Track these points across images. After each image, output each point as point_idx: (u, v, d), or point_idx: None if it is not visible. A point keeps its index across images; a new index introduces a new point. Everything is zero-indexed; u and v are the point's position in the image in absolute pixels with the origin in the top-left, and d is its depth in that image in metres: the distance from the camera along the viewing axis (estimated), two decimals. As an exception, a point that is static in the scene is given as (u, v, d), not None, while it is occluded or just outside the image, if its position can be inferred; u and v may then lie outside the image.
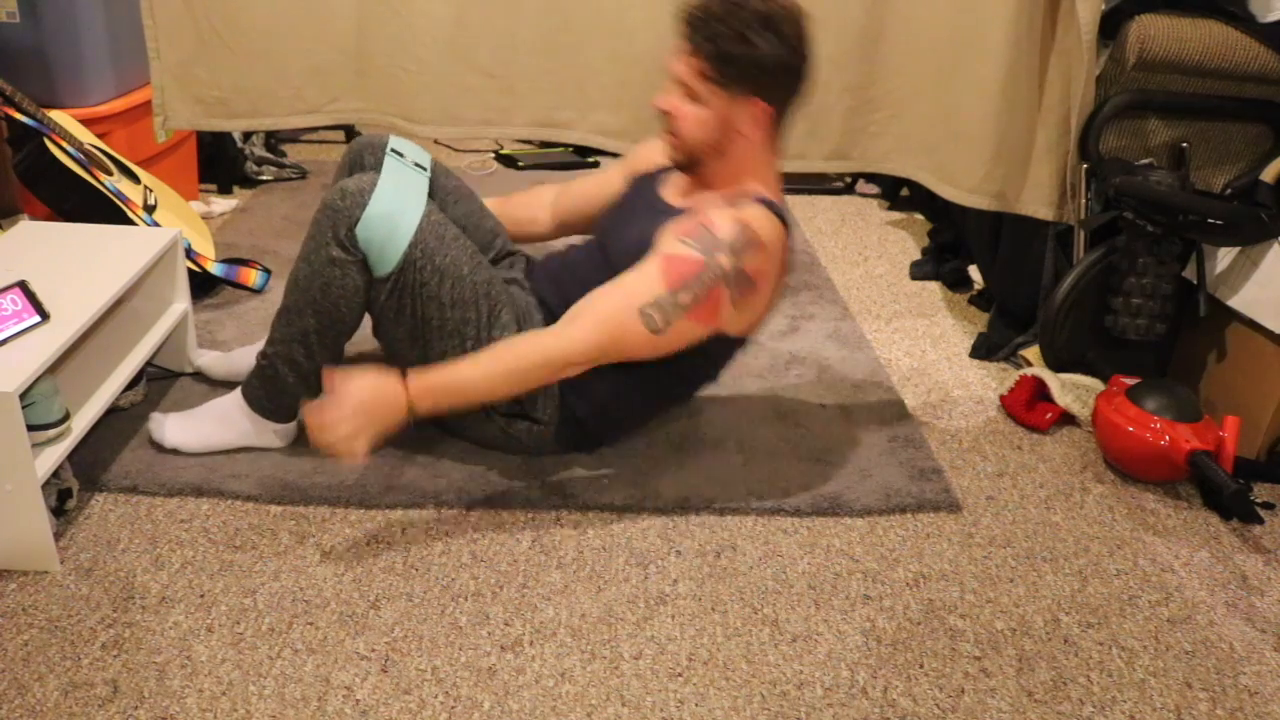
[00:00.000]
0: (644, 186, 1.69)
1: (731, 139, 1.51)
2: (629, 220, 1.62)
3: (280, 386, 1.61)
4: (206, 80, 2.11)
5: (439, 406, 1.45)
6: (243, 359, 1.82)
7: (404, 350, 1.58)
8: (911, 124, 2.13)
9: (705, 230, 1.45)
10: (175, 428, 1.64)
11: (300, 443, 1.69)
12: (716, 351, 1.60)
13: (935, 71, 2.05)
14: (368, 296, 1.55)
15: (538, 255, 1.84)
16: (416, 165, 1.66)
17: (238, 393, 1.64)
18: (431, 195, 1.71)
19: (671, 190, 1.63)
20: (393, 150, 1.66)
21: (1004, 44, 1.96)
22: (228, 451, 1.65)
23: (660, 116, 1.54)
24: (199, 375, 1.89)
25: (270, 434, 1.65)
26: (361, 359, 1.77)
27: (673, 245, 1.46)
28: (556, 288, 1.65)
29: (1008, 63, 1.97)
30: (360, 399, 1.37)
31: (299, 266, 1.55)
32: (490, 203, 1.87)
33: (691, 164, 1.56)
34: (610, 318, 1.45)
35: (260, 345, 1.71)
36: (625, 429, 1.75)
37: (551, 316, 1.56)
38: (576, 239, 1.80)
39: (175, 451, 1.63)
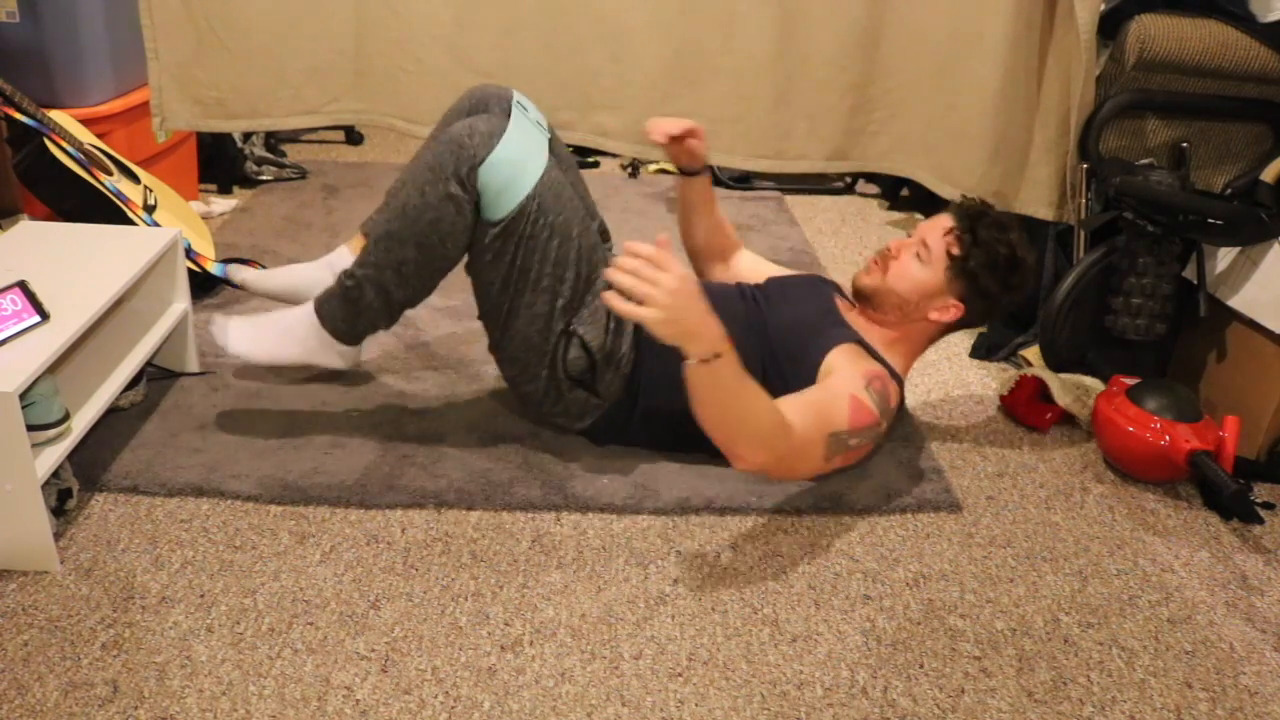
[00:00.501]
0: (819, 285, 1.78)
1: (919, 310, 1.65)
2: (800, 300, 1.71)
3: (362, 309, 1.58)
4: (205, 81, 2.12)
5: (719, 378, 1.29)
6: (283, 279, 1.77)
7: (495, 294, 1.58)
8: (911, 123, 2.13)
9: (885, 388, 1.56)
10: (239, 335, 1.60)
11: (302, 443, 1.69)
12: None
13: (935, 71, 2.06)
14: (473, 241, 1.54)
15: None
16: (538, 124, 1.67)
17: (309, 307, 1.61)
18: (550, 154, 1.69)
19: (843, 306, 1.73)
20: (519, 103, 1.67)
21: (1003, 43, 1.96)
22: (291, 366, 1.67)
23: (882, 251, 1.68)
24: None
25: (335, 355, 1.64)
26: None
27: (860, 389, 1.52)
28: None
29: (1006, 62, 1.97)
30: (686, 286, 1.24)
31: (409, 195, 1.51)
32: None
33: (873, 302, 1.68)
34: (812, 429, 1.44)
35: (307, 265, 1.72)
36: (657, 442, 1.71)
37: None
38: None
39: (238, 358, 1.62)
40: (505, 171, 1.49)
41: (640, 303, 1.22)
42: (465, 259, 1.60)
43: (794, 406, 1.43)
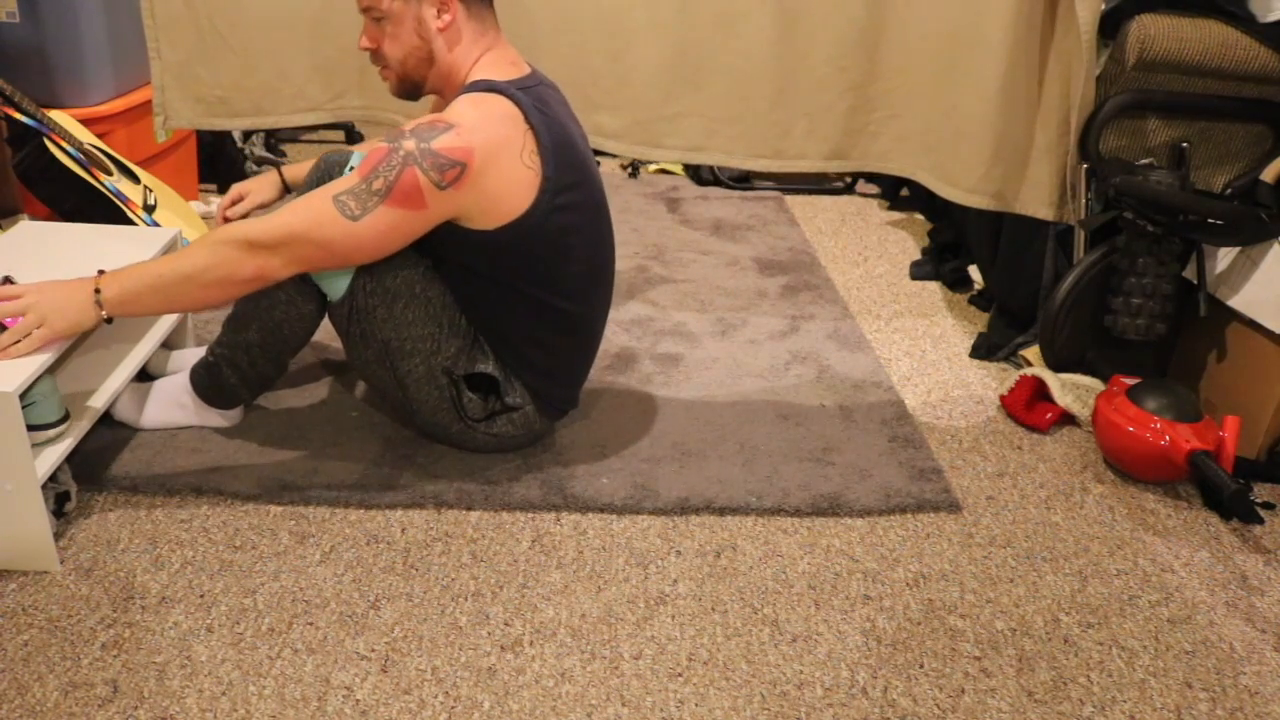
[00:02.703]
0: None
1: (431, 39, 1.50)
2: None
3: (223, 384, 1.66)
4: (207, 79, 2.11)
5: (133, 295, 1.38)
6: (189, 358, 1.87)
7: (377, 373, 1.59)
8: (911, 123, 2.13)
9: (402, 127, 1.42)
10: (128, 404, 1.69)
11: (302, 443, 1.69)
12: (539, 249, 1.52)
13: (935, 71, 2.05)
14: (318, 321, 1.59)
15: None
16: None
17: (185, 376, 1.70)
18: None
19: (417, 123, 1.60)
20: (351, 169, 1.64)
21: (1003, 43, 1.96)
22: (178, 429, 1.71)
23: (371, 60, 1.56)
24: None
25: (217, 416, 1.72)
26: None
27: (368, 151, 1.45)
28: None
29: (1007, 62, 1.97)
30: (41, 284, 1.38)
31: None
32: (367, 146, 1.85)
33: (415, 88, 1.56)
34: (304, 204, 1.39)
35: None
36: (573, 374, 1.70)
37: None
38: None
39: (129, 428, 1.69)
40: None
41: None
42: (345, 351, 1.63)
43: (281, 209, 1.42)
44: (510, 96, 1.45)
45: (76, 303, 1.37)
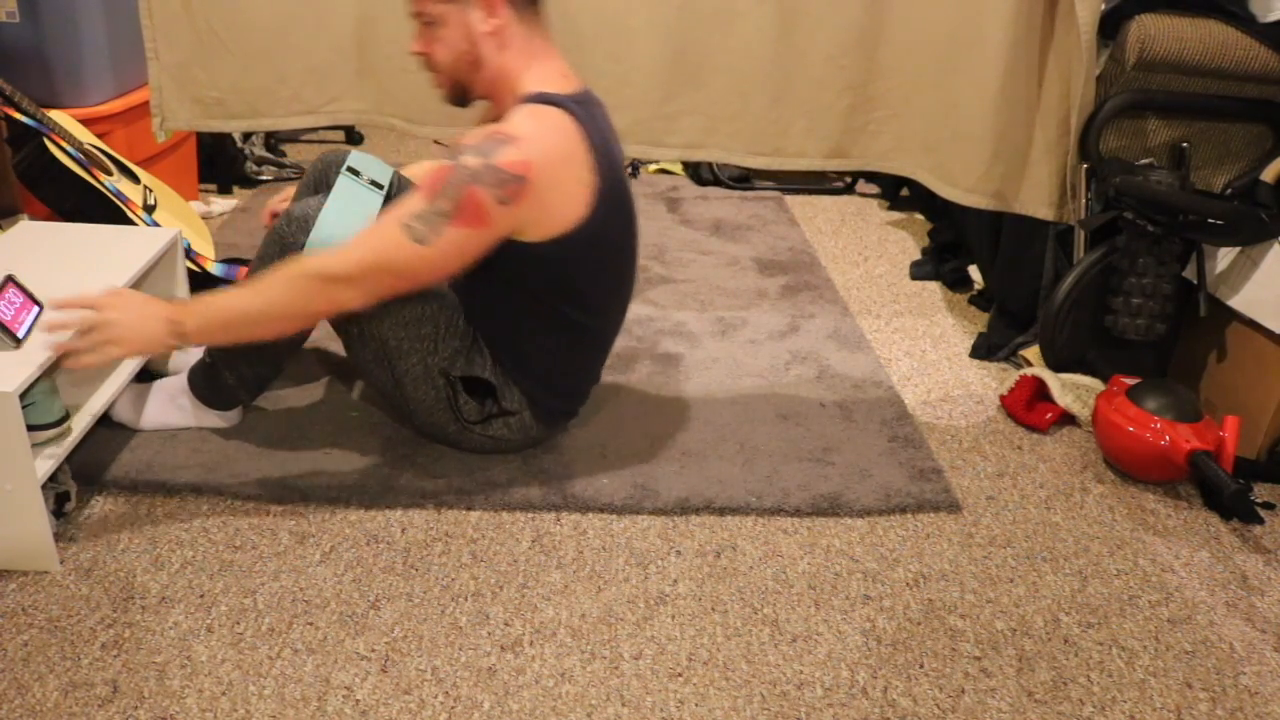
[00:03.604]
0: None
1: (479, 44, 1.47)
2: None
3: (221, 386, 1.67)
4: (204, 81, 2.11)
5: (211, 328, 1.41)
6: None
7: (375, 372, 1.59)
8: (910, 122, 2.13)
9: (461, 143, 1.42)
10: (127, 405, 1.69)
11: (302, 443, 1.69)
12: (576, 264, 1.52)
13: (934, 70, 2.05)
14: (338, 328, 1.58)
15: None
16: (372, 184, 1.65)
17: (184, 377, 1.70)
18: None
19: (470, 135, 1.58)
20: (349, 169, 1.65)
21: (1003, 43, 1.96)
22: (175, 430, 1.71)
23: (419, 64, 1.53)
24: None
25: (215, 418, 1.72)
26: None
27: (429, 167, 1.46)
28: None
29: (1007, 62, 1.97)
30: (123, 300, 1.39)
31: (245, 283, 1.56)
32: (414, 170, 1.85)
33: (464, 94, 1.54)
34: (374, 234, 1.41)
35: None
36: (578, 380, 1.70)
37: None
38: None
39: (128, 428, 1.69)
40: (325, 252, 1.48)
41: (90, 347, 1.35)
42: (344, 349, 1.63)
43: (352, 241, 1.43)
44: (568, 110, 1.44)
45: (153, 330, 1.38)
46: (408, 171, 1.85)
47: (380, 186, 1.67)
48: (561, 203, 1.45)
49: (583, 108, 1.47)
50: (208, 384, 1.68)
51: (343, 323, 1.56)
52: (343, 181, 1.61)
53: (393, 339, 1.53)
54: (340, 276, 1.39)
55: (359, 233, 1.43)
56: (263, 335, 1.46)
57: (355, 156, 1.70)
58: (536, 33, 1.52)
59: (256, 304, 1.40)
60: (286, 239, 1.53)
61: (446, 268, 1.44)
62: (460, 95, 1.55)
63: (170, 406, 1.70)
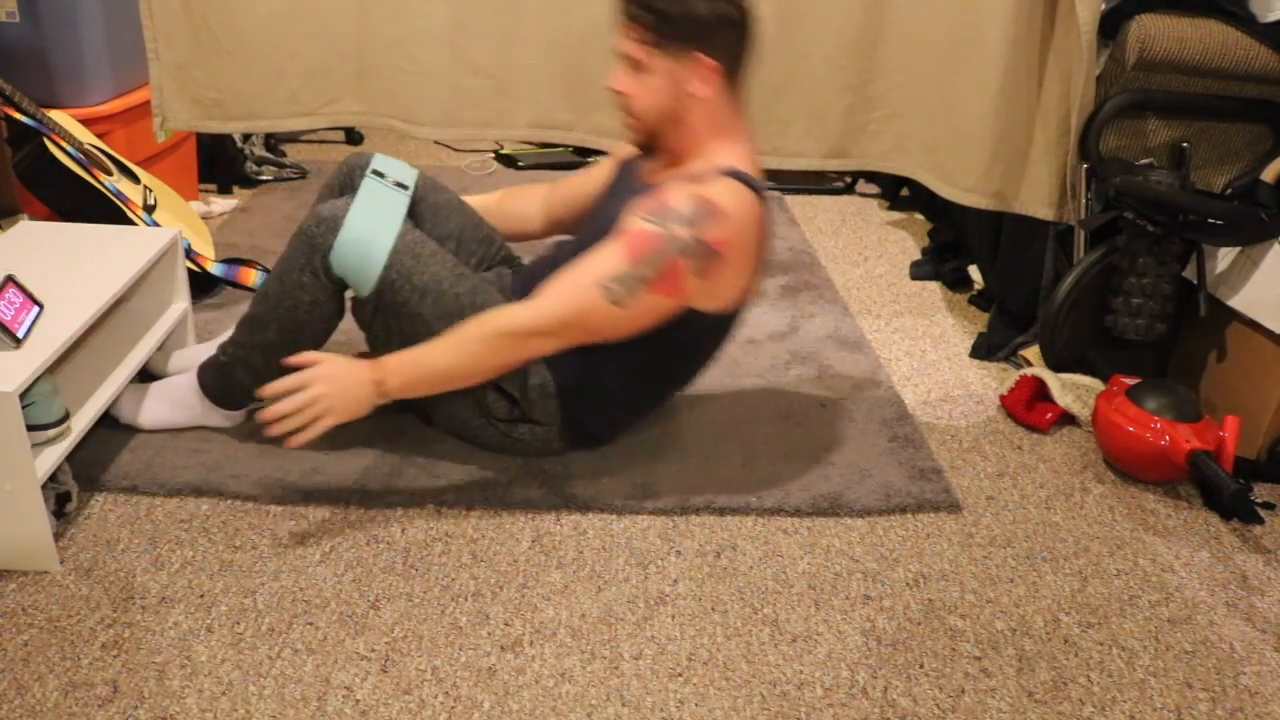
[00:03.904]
0: (626, 172, 1.70)
1: (685, 104, 1.48)
2: (613, 207, 1.60)
3: (234, 383, 1.66)
4: (203, 82, 2.11)
5: (413, 386, 1.47)
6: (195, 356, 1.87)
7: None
8: (910, 123, 2.13)
9: (663, 205, 1.44)
10: (131, 404, 1.68)
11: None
12: (702, 333, 1.58)
13: (934, 70, 2.06)
14: (339, 320, 1.60)
15: (526, 257, 1.84)
16: (398, 185, 1.67)
17: (192, 375, 1.69)
18: (414, 212, 1.73)
19: (648, 171, 1.62)
20: (374, 171, 1.67)
21: (1003, 43, 1.96)
22: (179, 430, 1.71)
23: (615, 100, 1.53)
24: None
25: (220, 417, 1.71)
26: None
27: (634, 222, 1.46)
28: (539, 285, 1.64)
29: (1006, 62, 1.97)
30: (329, 370, 1.42)
31: (270, 282, 1.59)
32: (477, 200, 1.88)
33: (654, 141, 1.54)
34: (572, 291, 1.45)
35: (202, 347, 1.81)
36: (625, 422, 1.74)
37: None
38: (564, 238, 1.80)
39: (129, 428, 1.69)
40: (355, 251, 1.51)
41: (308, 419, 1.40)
42: (367, 342, 1.63)
43: (560, 279, 1.47)
44: (759, 195, 1.48)
45: (361, 395, 1.43)
46: (474, 201, 1.88)
47: (405, 187, 1.68)
48: (734, 282, 1.52)
49: (764, 194, 1.51)
50: (220, 383, 1.67)
51: (368, 317, 1.57)
52: (368, 183, 1.63)
53: (423, 334, 1.53)
54: (536, 331, 1.45)
55: (556, 287, 1.46)
56: (462, 385, 1.51)
57: (379, 159, 1.73)
58: (738, 110, 1.54)
59: (456, 361, 1.46)
60: (315, 239, 1.53)
61: (634, 328, 1.49)
62: (648, 142, 1.56)
63: (175, 405, 1.70)
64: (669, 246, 1.42)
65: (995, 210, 2.12)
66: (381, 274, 1.52)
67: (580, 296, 1.44)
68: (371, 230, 1.53)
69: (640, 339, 1.53)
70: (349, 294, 1.60)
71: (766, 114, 2.12)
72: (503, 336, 1.45)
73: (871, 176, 3.39)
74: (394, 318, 1.54)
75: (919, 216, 3.12)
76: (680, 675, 1.29)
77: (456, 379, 1.49)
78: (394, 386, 1.45)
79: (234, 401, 1.69)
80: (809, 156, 2.18)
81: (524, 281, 1.70)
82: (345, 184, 1.76)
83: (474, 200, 1.88)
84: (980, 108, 2.02)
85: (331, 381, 1.41)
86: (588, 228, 1.65)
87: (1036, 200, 2.07)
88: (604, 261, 1.45)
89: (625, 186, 1.64)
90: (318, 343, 1.63)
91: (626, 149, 1.75)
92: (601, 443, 1.73)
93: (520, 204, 1.90)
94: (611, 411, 1.68)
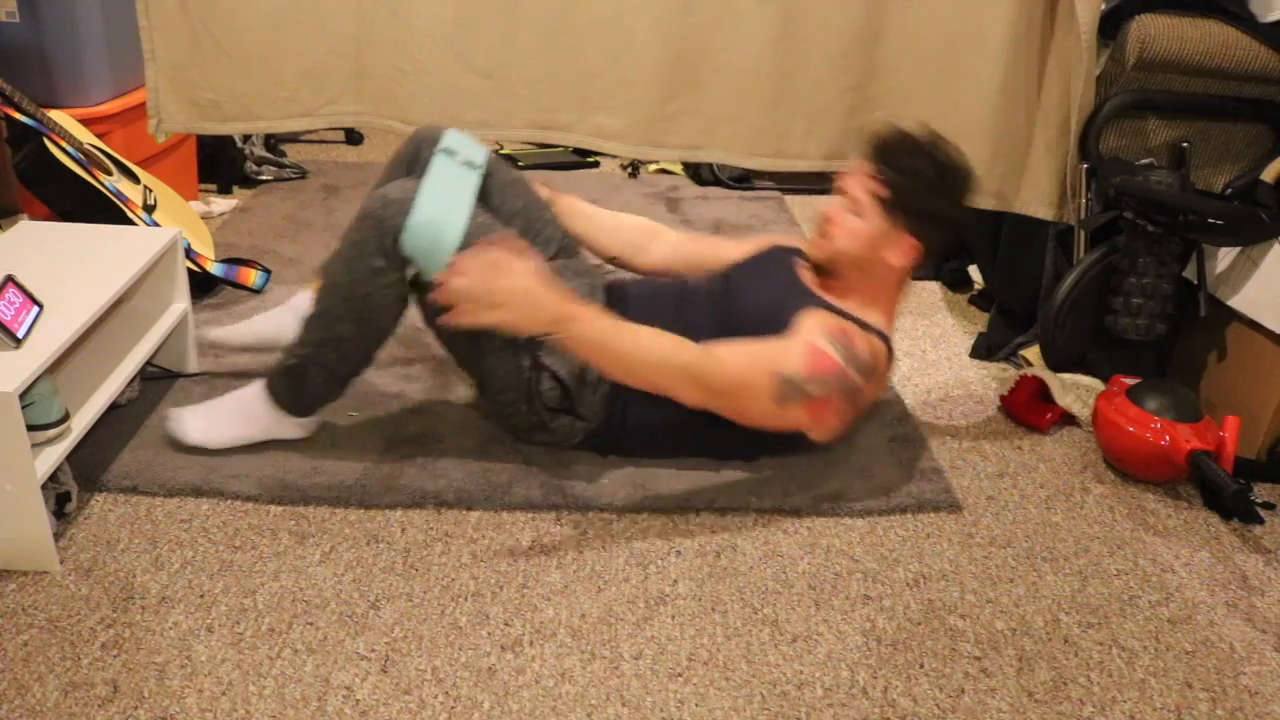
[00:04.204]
0: (781, 257, 1.73)
1: (877, 262, 1.59)
2: (764, 282, 1.67)
3: (308, 386, 1.61)
4: (201, 83, 2.11)
5: (589, 343, 1.42)
6: (251, 332, 1.86)
7: (459, 347, 1.60)
8: (911, 123, 2.13)
9: (851, 343, 1.52)
10: (197, 425, 1.63)
11: (302, 443, 1.69)
12: (775, 435, 1.61)
13: (935, 71, 2.05)
14: (418, 299, 1.55)
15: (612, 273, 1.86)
16: (468, 163, 1.65)
17: (259, 386, 1.63)
18: (483, 189, 1.71)
19: (812, 279, 1.67)
20: (443, 149, 1.64)
21: (1003, 43, 1.96)
22: (248, 446, 1.65)
23: (820, 220, 1.63)
24: (213, 352, 1.90)
25: (293, 426, 1.67)
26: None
27: (820, 339, 1.51)
28: (649, 309, 1.66)
29: (1007, 62, 1.97)
30: (528, 271, 1.37)
31: (338, 273, 1.52)
32: (589, 208, 1.88)
33: (831, 270, 1.62)
34: (751, 365, 1.49)
35: (270, 313, 1.78)
36: (661, 448, 1.71)
37: None
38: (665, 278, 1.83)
39: (197, 449, 1.63)
40: (427, 233, 1.47)
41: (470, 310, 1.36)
42: (424, 318, 1.61)
43: (734, 347, 1.50)
44: (893, 361, 1.64)
45: (540, 314, 1.38)
46: (584, 208, 1.90)
47: (475, 166, 1.65)
48: (844, 419, 1.60)
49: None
50: (291, 388, 1.61)
51: (433, 300, 1.52)
52: (438, 162, 1.60)
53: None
54: (705, 384, 1.47)
55: (738, 355, 1.49)
56: (619, 374, 1.46)
57: (451, 135, 1.70)
58: (906, 286, 1.67)
59: (641, 354, 1.43)
60: (384, 222, 1.48)
61: (768, 424, 1.55)
62: (826, 269, 1.63)
63: (243, 420, 1.64)
64: (840, 382, 1.51)
65: (995, 210, 2.12)
66: (454, 255, 1.47)
67: (756, 376, 1.48)
68: (444, 212, 1.49)
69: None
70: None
71: (767, 116, 2.11)
72: (681, 368, 1.45)
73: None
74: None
75: (919, 216, 3.12)
76: (680, 675, 1.29)
77: (625, 367, 1.44)
78: (574, 331, 1.40)
79: (308, 407, 1.65)
80: (810, 158, 2.18)
81: (633, 299, 1.70)
82: (412, 160, 1.74)
83: (584, 206, 1.90)
84: (980, 107, 2.02)
85: (525, 280, 1.36)
86: (737, 289, 1.69)
87: (1036, 200, 2.07)
88: (787, 357, 1.49)
89: (785, 274, 1.67)
90: (393, 330, 1.57)
91: (778, 238, 1.81)
92: (623, 452, 1.71)
93: (644, 236, 1.92)
94: (652, 438, 1.67)
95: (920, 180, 1.54)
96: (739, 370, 1.48)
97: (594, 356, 1.44)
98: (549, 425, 1.65)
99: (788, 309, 1.57)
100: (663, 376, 1.46)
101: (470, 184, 1.59)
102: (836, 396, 1.52)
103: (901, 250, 1.58)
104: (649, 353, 1.44)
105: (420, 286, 1.54)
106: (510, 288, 1.36)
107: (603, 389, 1.61)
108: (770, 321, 1.56)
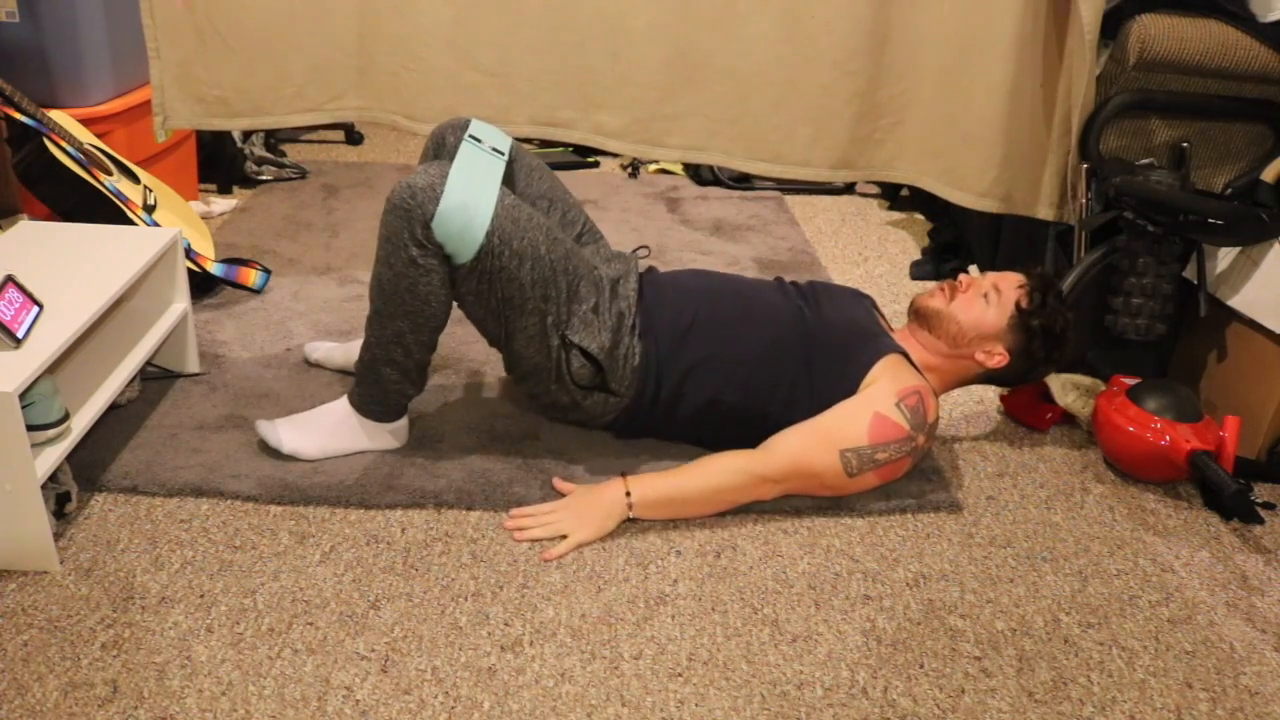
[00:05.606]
0: (856, 295, 1.81)
1: (970, 348, 1.68)
2: (845, 304, 1.74)
3: (385, 388, 1.62)
4: (206, 79, 2.11)
5: (657, 505, 1.56)
6: (348, 356, 1.93)
7: (489, 327, 1.60)
8: (918, 129, 2.12)
9: (920, 403, 1.58)
10: (291, 436, 1.65)
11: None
12: None
13: (942, 75, 2.04)
14: (451, 286, 1.56)
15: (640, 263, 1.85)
16: (494, 150, 1.67)
17: (345, 401, 1.67)
18: (509, 176, 1.75)
19: (883, 321, 1.77)
20: (470, 136, 1.67)
21: (1012, 46, 1.95)
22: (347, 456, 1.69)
23: (953, 281, 1.72)
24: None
25: (385, 435, 1.68)
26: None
27: (888, 405, 1.56)
28: (681, 300, 1.69)
29: (1015, 64, 1.96)
30: (577, 504, 1.55)
31: (380, 270, 1.53)
32: None
33: (928, 322, 1.70)
34: (814, 448, 1.56)
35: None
36: (684, 431, 1.73)
37: (649, 319, 1.65)
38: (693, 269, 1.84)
39: (293, 457, 1.66)
40: (458, 218, 1.47)
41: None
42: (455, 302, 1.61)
43: (789, 435, 1.59)
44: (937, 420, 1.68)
45: (612, 519, 1.55)
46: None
47: (501, 153, 1.67)
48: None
49: None
50: (372, 393, 1.63)
51: (466, 281, 1.54)
52: (466, 148, 1.61)
53: (516, 298, 1.54)
54: (772, 477, 1.57)
55: (796, 443, 1.58)
56: (693, 512, 1.59)
57: (476, 125, 1.72)
58: (961, 386, 1.76)
59: (701, 488, 1.56)
60: (414, 211, 1.47)
61: (851, 492, 1.63)
62: (927, 321, 1.71)
63: (334, 431, 1.66)
64: (908, 447, 1.57)
65: (1003, 213, 2.12)
66: (484, 239, 1.49)
67: (819, 457, 1.56)
68: (473, 194, 1.50)
69: (781, 389, 1.64)
70: None
71: (769, 119, 2.10)
72: (745, 474, 1.56)
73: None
74: (491, 282, 1.52)
75: (919, 216, 3.12)
76: (680, 675, 1.29)
77: (695, 505, 1.57)
78: (638, 502, 1.55)
79: (395, 408, 1.65)
80: (816, 166, 2.15)
81: (667, 291, 1.71)
82: (439, 149, 1.75)
83: None
84: (990, 111, 2.01)
85: (578, 514, 1.54)
86: (819, 301, 1.74)
87: (1036, 200, 2.07)
88: (849, 430, 1.56)
89: (864, 314, 1.74)
90: (446, 314, 1.57)
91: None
92: (653, 434, 1.75)
93: None
94: (689, 414, 1.68)
95: (1053, 323, 1.66)
96: (802, 456, 1.56)
97: (671, 512, 1.57)
98: (581, 404, 1.66)
99: (868, 339, 1.66)
100: (738, 494, 1.58)
101: (497, 168, 1.61)
102: (909, 461, 1.60)
103: (993, 354, 1.67)
104: (713, 478, 1.56)
105: (451, 269, 1.55)
106: (563, 520, 1.53)
107: (634, 361, 1.62)
108: (848, 344, 1.65)
